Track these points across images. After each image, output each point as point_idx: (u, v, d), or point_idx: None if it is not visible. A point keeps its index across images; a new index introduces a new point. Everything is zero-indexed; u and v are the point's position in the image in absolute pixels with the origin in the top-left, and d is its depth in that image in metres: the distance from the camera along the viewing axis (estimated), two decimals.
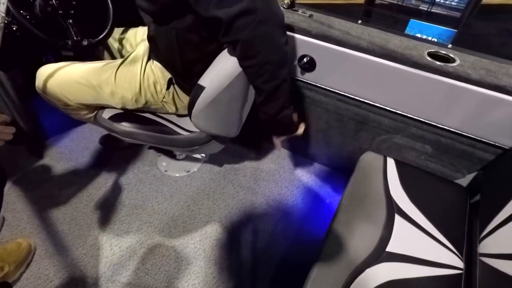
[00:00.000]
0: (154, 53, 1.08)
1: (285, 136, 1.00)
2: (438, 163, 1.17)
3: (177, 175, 1.46)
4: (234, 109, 0.99)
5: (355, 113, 1.18)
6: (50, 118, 1.65)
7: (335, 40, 1.05)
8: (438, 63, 0.93)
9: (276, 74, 0.77)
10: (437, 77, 0.92)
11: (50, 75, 1.04)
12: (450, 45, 1.04)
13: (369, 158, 1.12)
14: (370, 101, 1.11)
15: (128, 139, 1.10)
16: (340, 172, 1.52)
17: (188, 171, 1.47)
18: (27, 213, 1.30)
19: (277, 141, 1.03)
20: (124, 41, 1.30)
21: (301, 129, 1.01)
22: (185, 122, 1.12)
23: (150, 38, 1.05)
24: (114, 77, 1.03)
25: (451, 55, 0.98)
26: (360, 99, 1.13)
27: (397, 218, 0.94)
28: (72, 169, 1.49)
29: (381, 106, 1.10)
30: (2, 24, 0.92)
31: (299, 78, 1.22)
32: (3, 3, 0.87)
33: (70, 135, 1.65)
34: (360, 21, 1.16)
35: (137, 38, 1.28)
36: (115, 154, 1.54)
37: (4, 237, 1.22)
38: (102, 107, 1.12)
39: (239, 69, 0.81)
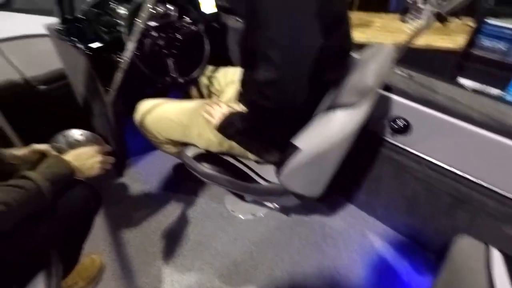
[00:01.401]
0: (243, 98, 1.11)
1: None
2: None
3: (242, 217, 1.44)
4: (326, 171, 0.94)
5: (452, 188, 1.04)
6: (133, 139, 1.79)
7: (438, 106, 0.96)
8: None
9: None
10: None
11: (148, 111, 1.13)
12: None
13: (467, 244, 0.96)
14: (475, 178, 0.97)
15: (206, 180, 1.12)
16: (423, 247, 1.33)
17: (254, 215, 1.44)
18: (103, 230, 1.38)
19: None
20: (213, 79, 1.37)
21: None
22: (265, 171, 1.10)
23: (242, 83, 1.09)
24: (203, 119, 1.07)
25: None
26: (462, 174, 0.99)
27: None
28: (146, 191, 1.58)
29: (489, 186, 0.95)
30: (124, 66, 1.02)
31: (388, 139, 1.14)
32: (130, 50, 0.97)
33: (148, 158, 1.76)
34: (461, 79, 1.05)
35: (227, 78, 1.33)
36: (186, 184, 1.59)
37: None
38: (187, 144, 1.17)
39: (344, 135, 0.77)
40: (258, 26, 0.77)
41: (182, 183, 1.61)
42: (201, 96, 1.42)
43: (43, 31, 1.90)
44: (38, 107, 1.63)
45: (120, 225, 1.40)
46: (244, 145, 1.03)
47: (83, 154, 0.86)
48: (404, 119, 1.05)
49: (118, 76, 1.03)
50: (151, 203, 1.51)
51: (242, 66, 1.03)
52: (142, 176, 1.66)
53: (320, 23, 0.72)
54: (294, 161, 0.81)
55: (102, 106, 1.44)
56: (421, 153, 1.07)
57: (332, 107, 0.77)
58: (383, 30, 1.86)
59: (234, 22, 1.53)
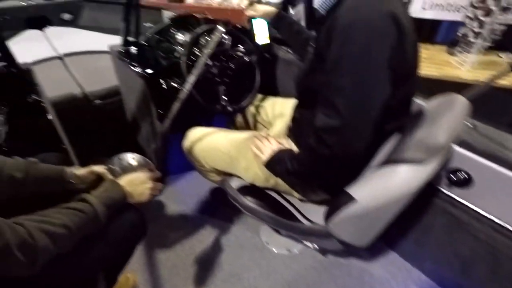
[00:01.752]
0: (294, 135, 1.09)
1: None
2: None
3: (277, 251, 1.40)
4: (379, 224, 0.89)
5: None
6: (174, 157, 1.83)
7: (508, 164, 0.88)
8: None
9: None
10: None
11: (198, 139, 1.14)
12: None
13: None
14: None
15: (248, 213, 1.10)
16: None
17: (289, 251, 1.39)
18: (139, 247, 1.40)
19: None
20: (260, 108, 1.38)
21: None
22: (308, 210, 1.06)
23: (294, 119, 1.08)
24: (252, 153, 1.06)
25: None
26: None
27: None
28: (182, 212, 1.59)
29: None
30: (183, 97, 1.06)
31: (444, 191, 1.06)
32: (191, 83, 1.00)
33: (187, 177, 1.79)
34: None
35: (275, 110, 1.33)
36: (222, 210, 1.59)
37: None
38: (231, 175, 1.17)
39: (407, 192, 0.73)
40: (324, 71, 0.76)
41: (219, 208, 1.61)
42: (247, 125, 1.43)
43: (103, 47, 2.04)
44: (92, 120, 1.73)
45: (154, 245, 1.41)
46: (291, 185, 1.01)
47: (135, 179, 0.88)
48: (465, 172, 0.98)
49: (176, 106, 1.06)
50: (186, 225, 1.51)
51: (298, 103, 1.02)
52: (180, 196, 1.68)
53: (391, 74, 0.69)
54: (348, 211, 0.77)
55: (151, 125, 1.50)
56: (483, 210, 0.98)
57: (396, 160, 0.73)
58: (429, 61, 1.79)
59: (285, 53, 1.55)
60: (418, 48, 0.81)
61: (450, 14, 1.92)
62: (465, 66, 1.70)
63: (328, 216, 0.83)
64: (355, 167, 0.85)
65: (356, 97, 0.69)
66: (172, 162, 1.85)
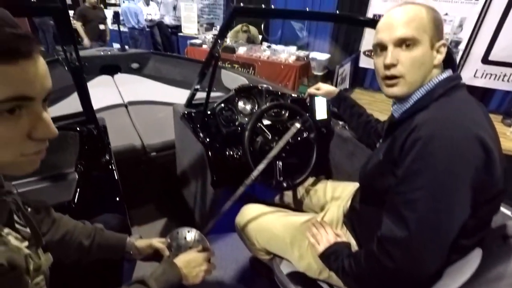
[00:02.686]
0: (351, 225, 1.04)
1: None
2: None
3: None
4: None
5: None
6: (217, 213, 1.82)
7: None
8: None
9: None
10: None
11: (253, 218, 1.12)
12: None
13: None
14: None
15: None
16: None
17: None
18: None
19: None
20: (313, 187, 1.34)
21: None
22: None
23: (353, 209, 1.03)
24: (308, 242, 1.02)
25: None
26: None
27: None
28: (219, 278, 1.53)
29: None
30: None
31: None
32: (259, 171, 1.02)
33: (227, 239, 1.75)
34: None
35: (326, 193, 1.28)
36: (260, 280, 1.51)
37: None
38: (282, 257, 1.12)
39: None
40: (395, 176, 0.73)
41: (257, 278, 1.53)
42: (295, 201, 1.40)
43: (164, 97, 2.17)
44: (145, 171, 1.81)
45: None
46: (346, 283, 0.94)
47: (192, 261, 0.87)
48: None
49: (240, 190, 1.07)
50: None
51: (360, 196, 0.99)
52: (217, 259, 1.63)
53: (473, 196, 0.65)
54: None
55: (202, 187, 1.52)
56: None
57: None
58: None
59: (341, 130, 1.55)
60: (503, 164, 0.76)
61: (504, 83, 1.84)
62: None
63: None
64: (423, 284, 0.77)
65: (429, 214, 0.65)
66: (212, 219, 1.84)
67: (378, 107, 4.76)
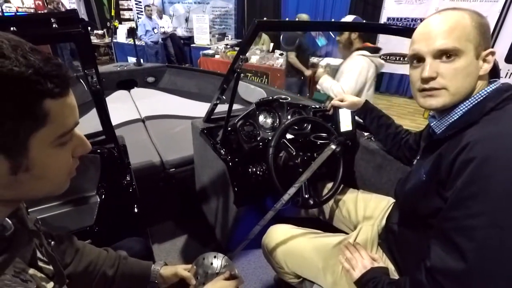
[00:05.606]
0: (387, 248, 0.97)
1: None
2: None
3: None
4: None
5: None
6: (239, 231, 1.76)
7: None
8: None
9: None
10: None
11: (282, 241, 1.06)
12: None
13: None
14: None
15: None
16: None
17: None
18: None
19: None
20: (342, 204, 1.27)
21: None
22: None
23: (389, 230, 0.96)
24: (341, 267, 0.95)
25: None
26: None
27: None
28: None
29: None
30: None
31: None
32: (290, 194, 0.96)
33: (249, 256, 1.69)
34: None
35: (358, 207, 1.21)
36: None
37: None
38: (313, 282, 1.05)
39: None
40: (442, 197, 0.66)
41: None
42: (323, 216, 1.33)
43: (180, 110, 2.14)
44: (164, 188, 1.78)
45: None
46: None
47: None
48: None
49: (270, 214, 1.02)
50: None
51: (398, 218, 0.92)
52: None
53: None
54: None
55: (224, 204, 1.47)
56: None
57: None
58: None
59: (367, 142, 1.47)
60: None
61: None
62: None
63: None
64: None
65: (490, 243, 0.57)
66: (234, 237, 1.79)
67: (396, 111, 4.64)
